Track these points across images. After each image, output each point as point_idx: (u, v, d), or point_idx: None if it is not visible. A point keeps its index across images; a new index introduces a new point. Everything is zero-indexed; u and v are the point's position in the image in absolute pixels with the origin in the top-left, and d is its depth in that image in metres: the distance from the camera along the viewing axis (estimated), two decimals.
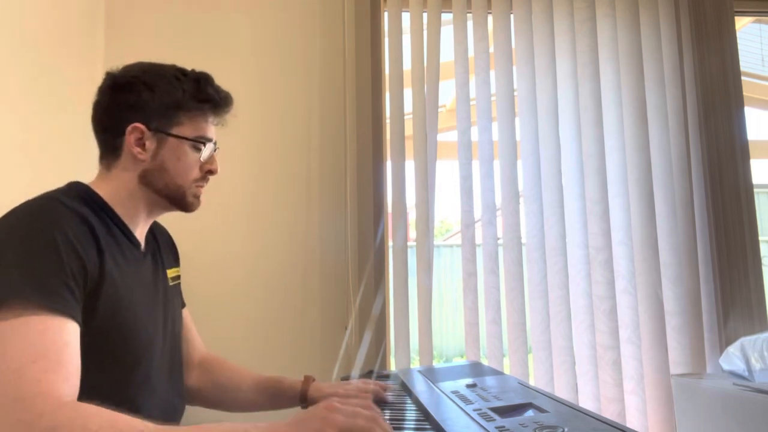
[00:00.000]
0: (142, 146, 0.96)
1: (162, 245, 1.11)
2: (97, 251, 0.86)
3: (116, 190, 0.96)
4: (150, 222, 1.04)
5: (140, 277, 0.97)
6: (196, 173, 1.01)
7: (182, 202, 1.01)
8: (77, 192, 0.92)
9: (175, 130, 0.98)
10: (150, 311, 0.97)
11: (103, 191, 0.96)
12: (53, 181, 0.96)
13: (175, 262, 1.17)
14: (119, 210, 0.96)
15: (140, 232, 1.01)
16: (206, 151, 1.01)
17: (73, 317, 0.79)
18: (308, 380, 1.16)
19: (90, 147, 1.01)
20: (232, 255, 1.76)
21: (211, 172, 1.03)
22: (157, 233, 1.11)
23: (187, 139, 0.98)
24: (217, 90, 1.02)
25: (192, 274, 1.70)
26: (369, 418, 0.72)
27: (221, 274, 1.75)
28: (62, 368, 0.74)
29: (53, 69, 1.50)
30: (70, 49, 1.61)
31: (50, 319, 0.75)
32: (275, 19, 1.87)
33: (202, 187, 1.03)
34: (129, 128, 0.95)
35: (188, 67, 1.04)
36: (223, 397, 1.19)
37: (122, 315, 0.88)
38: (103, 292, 0.85)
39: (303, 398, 1.14)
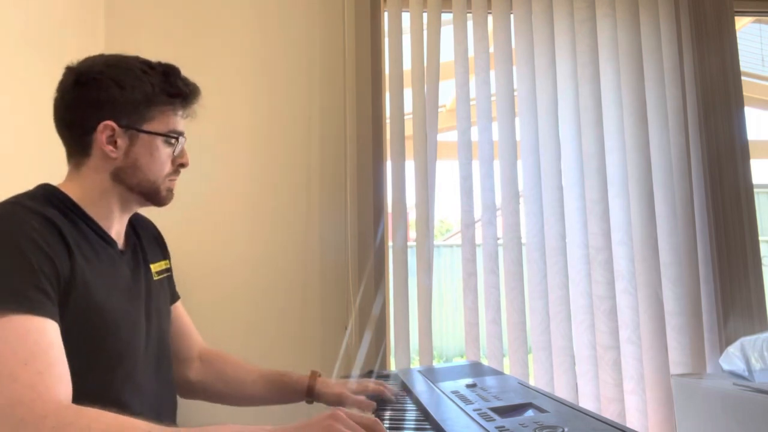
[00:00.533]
0: (114, 144, 0.94)
1: (144, 239, 1.09)
2: (67, 251, 0.84)
3: (87, 190, 0.94)
4: (125, 218, 1.02)
5: (117, 275, 0.95)
6: (168, 167, 1.00)
7: (156, 197, 1.00)
8: (44, 194, 0.91)
9: (146, 126, 0.96)
10: (129, 310, 0.95)
11: (73, 191, 0.94)
12: (50, 180, 0.96)
13: (162, 255, 1.15)
14: (90, 209, 0.94)
15: (116, 230, 0.99)
16: (178, 145, 1.00)
17: (52, 317, 0.78)
18: (314, 375, 1.16)
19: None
20: (232, 255, 1.76)
21: (183, 165, 1.02)
22: (139, 227, 1.09)
23: (159, 134, 0.97)
24: (186, 83, 1.00)
25: (192, 274, 1.71)
26: None
27: (221, 274, 1.74)
28: (53, 368, 0.74)
29: (52, 65, 1.50)
30: (70, 44, 1.61)
31: (30, 320, 0.75)
32: (275, 19, 1.87)
33: (174, 180, 1.02)
34: (100, 126, 0.92)
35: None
36: (227, 391, 1.18)
37: (98, 315, 0.88)
38: (76, 292, 0.84)
39: (310, 393, 1.15)
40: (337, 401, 1.10)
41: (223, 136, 1.80)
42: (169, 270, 1.16)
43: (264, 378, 1.18)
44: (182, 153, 1.02)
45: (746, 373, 1.50)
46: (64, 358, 0.77)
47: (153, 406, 0.97)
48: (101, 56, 0.98)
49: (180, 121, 1.01)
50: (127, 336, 0.93)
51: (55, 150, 0.98)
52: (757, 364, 1.47)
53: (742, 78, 1.94)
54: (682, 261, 1.83)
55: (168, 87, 0.97)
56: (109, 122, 0.93)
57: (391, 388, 1.11)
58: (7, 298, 0.75)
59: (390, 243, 1.80)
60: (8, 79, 1.33)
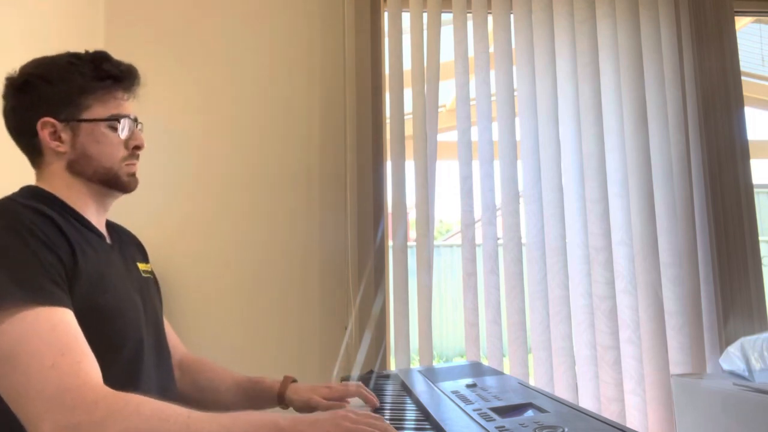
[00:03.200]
0: (59, 139, 0.95)
1: (125, 243, 1.10)
2: (67, 243, 0.86)
3: (56, 186, 0.96)
4: (103, 213, 1.03)
5: (112, 264, 0.97)
6: (122, 152, 0.99)
7: (117, 183, 1.00)
8: (31, 192, 0.94)
9: (85, 115, 0.96)
10: (128, 294, 0.97)
11: (49, 189, 0.96)
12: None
13: (144, 258, 1.16)
14: (69, 203, 0.96)
15: (97, 223, 1.00)
16: (125, 127, 1.00)
17: (69, 307, 0.80)
18: (287, 381, 1.16)
19: None
20: (232, 255, 1.76)
21: (138, 147, 1.02)
22: (120, 233, 1.11)
23: (100, 120, 0.97)
24: (116, 64, 1.00)
25: (193, 274, 1.71)
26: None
27: (221, 274, 1.74)
28: (87, 357, 0.76)
29: None
30: (70, 44, 1.61)
31: (52, 312, 0.77)
32: (275, 19, 1.87)
33: (133, 164, 1.02)
34: (39, 124, 0.94)
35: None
36: (202, 398, 1.20)
37: (103, 297, 0.89)
38: (81, 278, 0.86)
39: (280, 399, 1.15)
40: (306, 407, 1.11)
41: (223, 135, 1.80)
42: (152, 273, 1.16)
43: (238, 386, 1.19)
44: (134, 135, 1.02)
45: (746, 373, 1.50)
46: (88, 346, 0.79)
47: (159, 393, 0.98)
48: (33, 59, 0.99)
49: (123, 105, 1.01)
50: (130, 317, 0.95)
51: None
52: (757, 364, 1.47)
53: (742, 78, 1.94)
54: (682, 261, 1.83)
55: (97, 72, 0.97)
56: (47, 119, 0.94)
57: (371, 394, 1.08)
58: (23, 293, 0.76)
59: (390, 243, 1.80)
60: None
